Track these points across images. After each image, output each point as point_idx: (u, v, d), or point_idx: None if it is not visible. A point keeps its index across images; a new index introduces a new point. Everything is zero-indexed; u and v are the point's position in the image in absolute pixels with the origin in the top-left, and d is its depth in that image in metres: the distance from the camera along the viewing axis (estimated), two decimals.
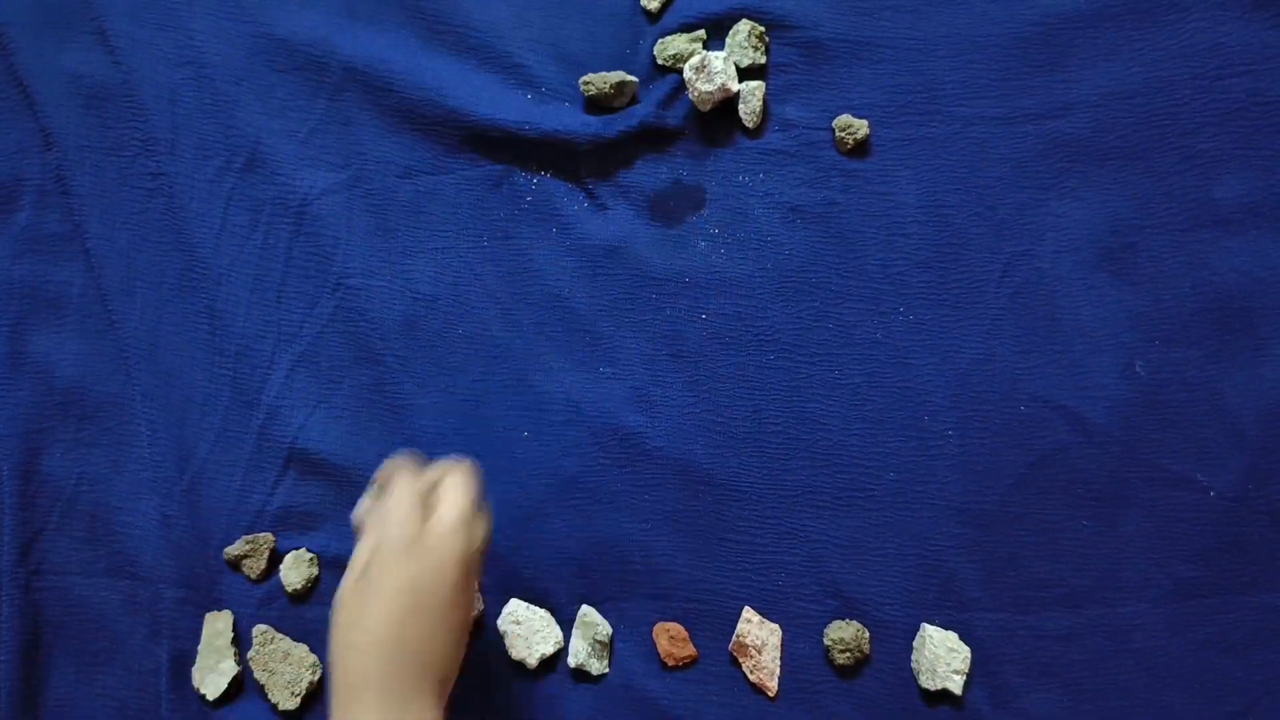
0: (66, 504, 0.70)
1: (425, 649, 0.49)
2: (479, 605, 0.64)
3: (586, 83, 0.69)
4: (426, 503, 0.54)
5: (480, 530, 0.54)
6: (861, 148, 0.69)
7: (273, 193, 0.72)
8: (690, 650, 0.65)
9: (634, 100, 0.69)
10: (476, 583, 0.53)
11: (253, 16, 0.73)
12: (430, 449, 0.68)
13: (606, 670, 0.66)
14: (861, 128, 0.69)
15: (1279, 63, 0.68)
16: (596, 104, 0.70)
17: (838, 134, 0.69)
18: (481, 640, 0.67)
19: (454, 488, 0.53)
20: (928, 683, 0.63)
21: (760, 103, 0.69)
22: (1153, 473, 0.65)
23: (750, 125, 0.69)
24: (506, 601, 0.67)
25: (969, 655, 0.64)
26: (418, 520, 0.52)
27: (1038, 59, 0.70)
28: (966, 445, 0.66)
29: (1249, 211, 0.67)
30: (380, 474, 0.59)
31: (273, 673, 0.65)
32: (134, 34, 0.73)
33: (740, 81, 0.70)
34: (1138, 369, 0.66)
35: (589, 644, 0.65)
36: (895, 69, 0.70)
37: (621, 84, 0.68)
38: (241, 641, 0.67)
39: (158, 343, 0.71)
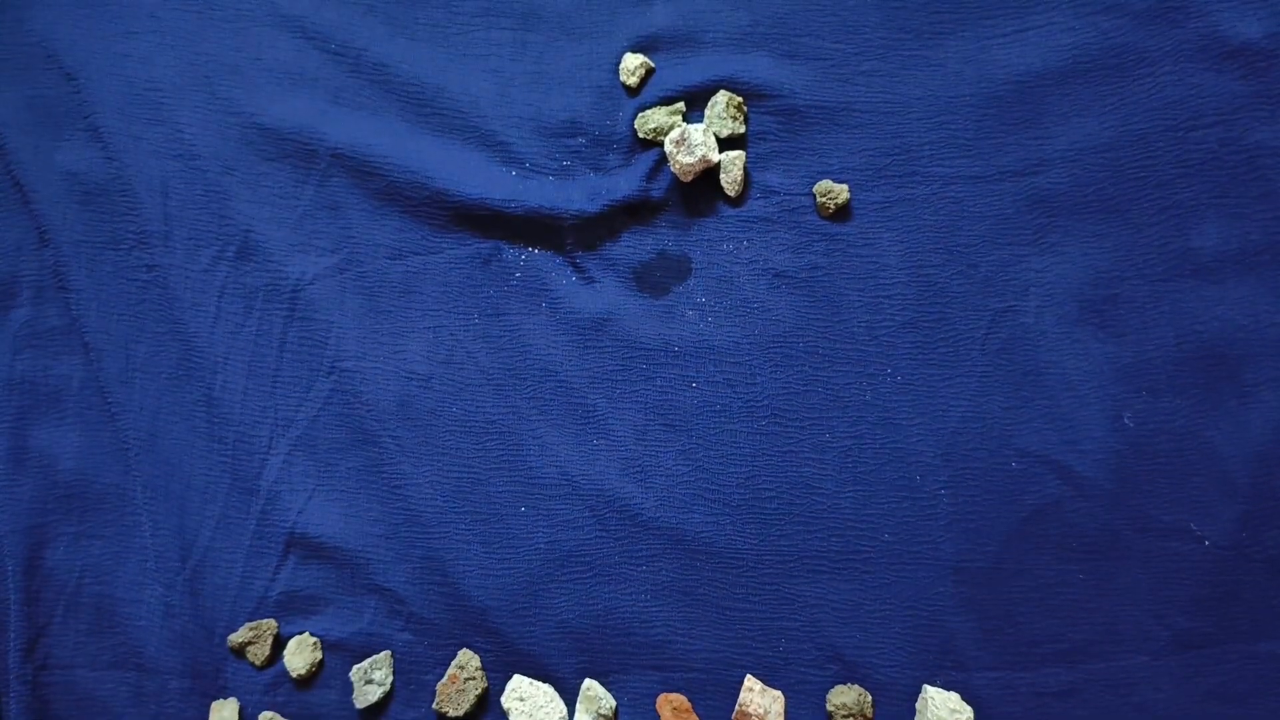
0: (71, 597, 0.73)
1: None
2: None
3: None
4: None
5: None
6: (843, 212, 0.73)
7: (265, 280, 0.75)
8: None
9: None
10: None
11: (240, 107, 0.77)
12: (428, 528, 0.71)
13: None
14: (842, 192, 0.72)
15: (1249, 112, 0.71)
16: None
17: (819, 199, 0.73)
18: (487, 717, 0.69)
19: None
20: None
21: (741, 171, 0.73)
22: (1146, 524, 0.68)
23: (732, 194, 0.73)
24: (510, 678, 0.69)
25: (972, 716, 0.66)
26: None
27: (1012, 117, 0.73)
28: (959, 503, 0.69)
29: (1227, 260, 0.70)
30: None
31: None
32: (125, 130, 0.77)
33: (721, 151, 0.73)
34: (1125, 420, 0.69)
35: (593, 718, 0.67)
36: (873, 133, 0.74)
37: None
38: None
39: (157, 432, 0.74)
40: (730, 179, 0.73)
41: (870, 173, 0.74)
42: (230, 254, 0.76)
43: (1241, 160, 0.71)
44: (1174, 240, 0.71)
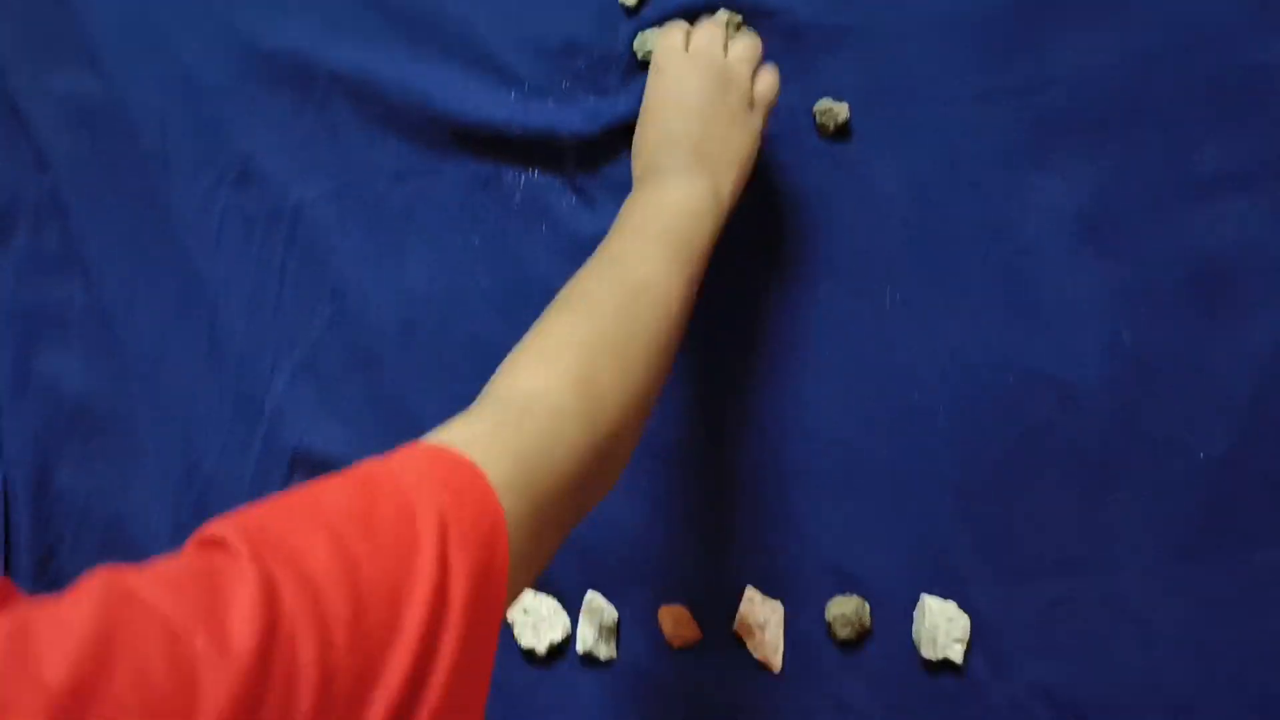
0: (80, 517, 0.75)
1: (701, 137, 0.60)
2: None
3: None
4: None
5: (767, 78, 0.66)
6: (842, 131, 0.73)
7: (266, 205, 0.76)
8: (695, 631, 0.70)
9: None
10: (761, 121, 0.64)
11: (238, 32, 0.78)
12: None
13: (614, 655, 0.70)
14: (842, 111, 0.73)
15: (1253, 31, 0.71)
16: None
17: (819, 118, 0.73)
18: None
19: (745, 38, 0.66)
20: (929, 653, 0.68)
21: None
22: (1143, 439, 0.69)
23: None
24: None
25: (968, 624, 0.68)
26: (718, 50, 0.64)
27: (1014, 36, 0.74)
28: (957, 421, 0.70)
29: (1227, 178, 0.71)
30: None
31: None
32: (122, 55, 0.77)
33: None
34: (1123, 338, 0.70)
35: (596, 629, 0.69)
36: (873, 52, 0.74)
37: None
38: None
39: (160, 358, 0.75)
40: None
41: (871, 92, 0.74)
42: (230, 179, 0.77)
43: (1243, 79, 0.71)
44: (1175, 159, 0.72)
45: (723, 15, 0.74)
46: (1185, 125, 0.72)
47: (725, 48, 0.64)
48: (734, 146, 0.61)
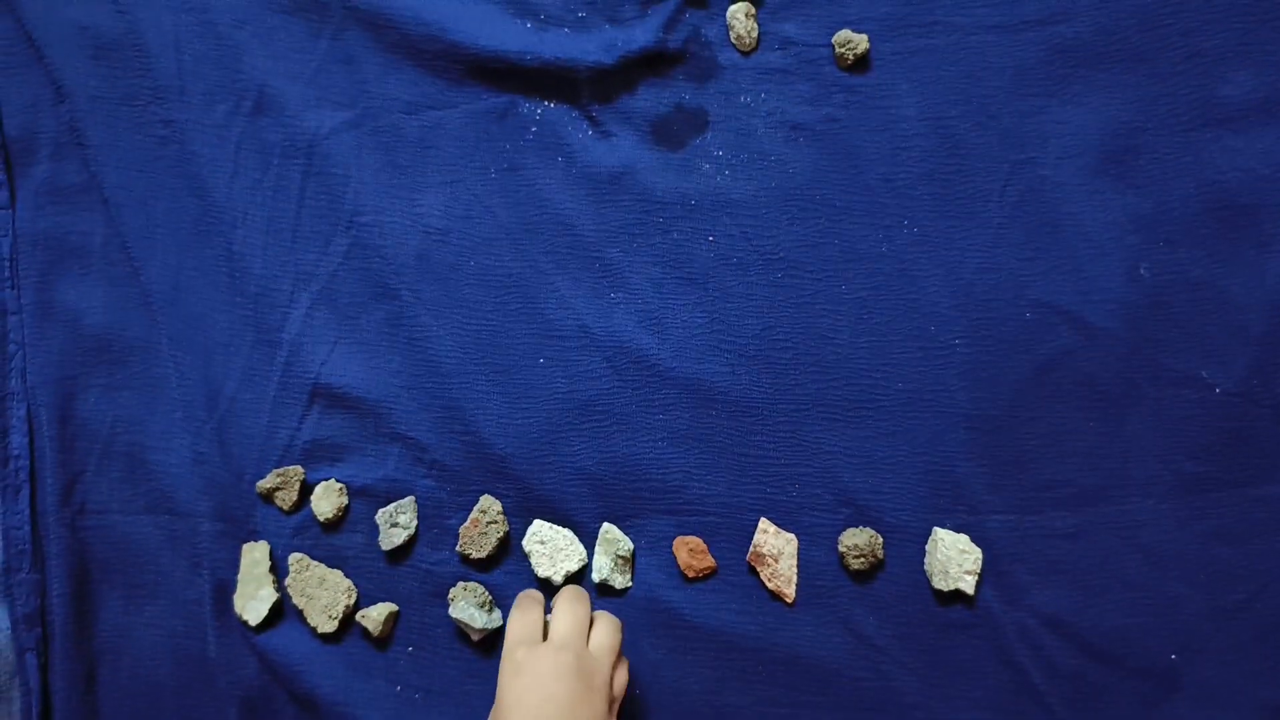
0: (104, 446, 0.76)
1: None
2: None
3: None
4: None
5: (623, 674, 0.63)
6: (862, 63, 0.73)
7: (282, 134, 0.77)
8: (709, 562, 0.71)
9: None
10: (604, 689, 0.60)
11: None
12: (448, 378, 0.74)
13: (630, 584, 0.72)
14: (861, 42, 0.73)
15: None
16: None
17: (838, 50, 0.73)
18: (509, 559, 0.73)
19: (562, 608, 0.63)
20: (940, 584, 0.69)
21: (750, 22, 0.73)
22: (1158, 372, 0.70)
23: (744, 49, 0.73)
24: (530, 523, 0.72)
25: (980, 556, 0.69)
26: (533, 641, 0.61)
27: None
28: (973, 353, 0.71)
29: (1253, 109, 0.71)
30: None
31: (310, 598, 0.72)
32: None
33: (735, 1, 0.74)
34: (1142, 271, 0.70)
35: (612, 560, 0.71)
36: None
37: None
38: (279, 569, 0.73)
39: (180, 287, 0.76)
40: (736, 34, 0.74)
41: (890, 23, 0.74)
42: (246, 109, 0.77)
43: (1272, 7, 0.71)
44: (1199, 90, 0.71)
45: None
46: (1209, 55, 0.72)
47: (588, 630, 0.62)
48: None
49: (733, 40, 0.74)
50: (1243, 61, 0.71)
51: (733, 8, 0.74)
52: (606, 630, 0.62)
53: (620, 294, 0.74)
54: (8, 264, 0.77)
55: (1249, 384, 0.69)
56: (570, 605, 0.62)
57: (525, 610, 0.62)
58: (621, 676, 0.62)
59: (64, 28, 0.78)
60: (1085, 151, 0.72)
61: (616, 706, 0.60)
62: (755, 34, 0.74)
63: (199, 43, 0.78)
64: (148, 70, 0.78)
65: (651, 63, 0.75)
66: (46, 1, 0.79)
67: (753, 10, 0.74)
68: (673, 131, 0.75)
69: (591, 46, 0.74)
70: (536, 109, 0.76)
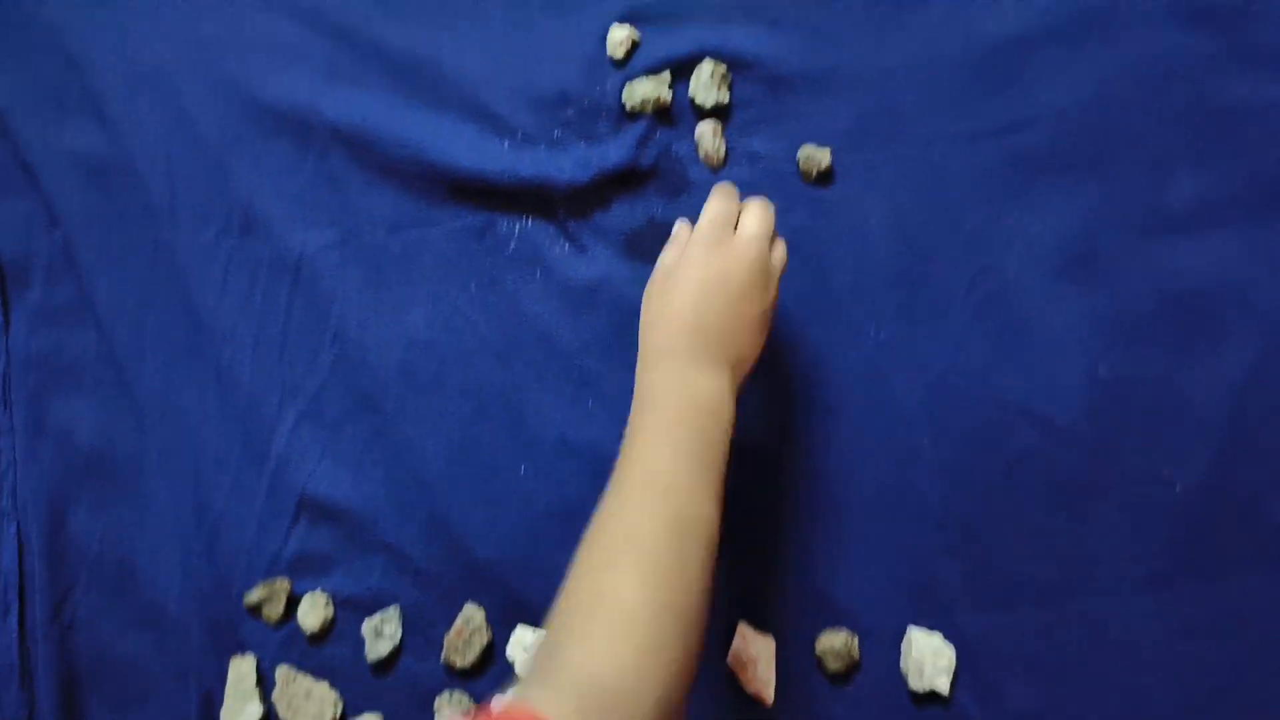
0: (93, 561, 0.78)
1: (724, 329, 0.60)
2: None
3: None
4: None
5: (780, 249, 0.65)
6: (826, 175, 0.77)
7: (269, 252, 0.80)
8: None
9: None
10: (774, 293, 0.63)
11: (241, 83, 0.81)
12: (432, 488, 0.76)
13: None
14: (825, 156, 0.76)
15: (1219, 69, 0.74)
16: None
17: (802, 164, 0.77)
18: (493, 667, 0.74)
19: (755, 209, 0.64)
20: (916, 684, 0.71)
21: (717, 139, 0.76)
22: (1123, 469, 0.72)
23: (713, 165, 0.77)
24: (514, 629, 0.74)
25: (954, 655, 0.71)
26: (727, 227, 0.63)
27: (992, 77, 0.77)
28: (941, 454, 0.73)
29: (1200, 213, 0.74)
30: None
31: (297, 711, 0.73)
32: (129, 108, 0.81)
33: (704, 118, 0.77)
34: (1101, 371, 0.73)
35: None
36: (855, 96, 0.78)
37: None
38: (266, 682, 0.75)
39: (170, 403, 0.79)
40: (704, 151, 0.77)
41: (853, 136, 0.78)
42: (234, 228, 0.81)
43: (1213, 116, 0.75)
44: (1149, 195, 0.75)
45: (707, 66, 0.77)
46: (1160, 161, 0.75)
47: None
48: (754, 339, 0.62)
49: (701, 157, 0.78)
50: (1189, 169, 0.75)
51: (700, 125, 0.78)
52: (764, 217, 0.65)
53: (598, 402, 0.77)
54: (1, 385, 0.79)
55: (1211, 479, 0.72)
56: (762, 207, 0.66)
57: (725, 197, 0.66)
58: (779, 252, 0.65)
59: (58, 153, 0.82)
60: (1046, 255, 0.75)
61: (778, 283, 0.64)
62: (723, 151, 0.78)
63: (189, 164, 0.82)
64: (139, 192, 0.82)
65: (625, 179, 0.78)
66: (41, 128, 0.82)
67: (719, 127, 0.78)
68: (646, 245, 0.78)
69: (567, 165, 0.78)
70: (515, 225, 0.79)
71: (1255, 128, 0.74)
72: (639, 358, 0.61)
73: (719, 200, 0.65)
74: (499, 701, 0.45)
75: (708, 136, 0.78)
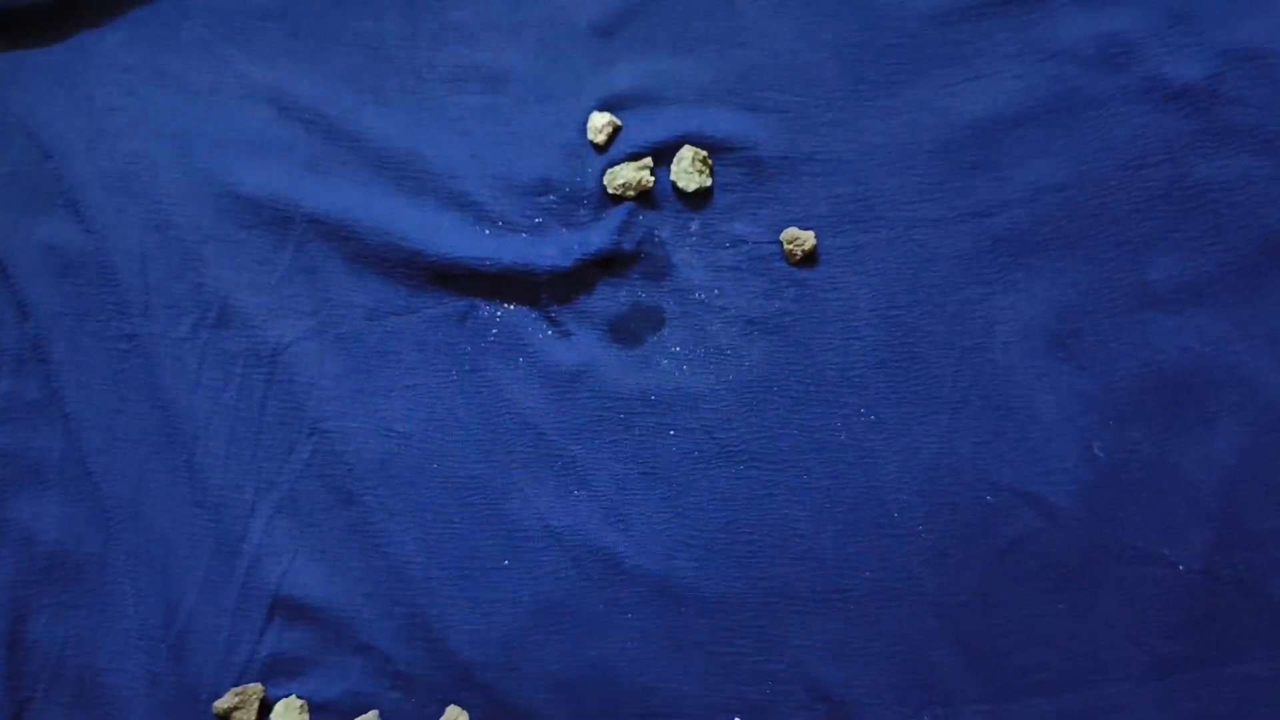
0: (53, 671, 0.75)
1: None
2: None
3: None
4: None
5: None
6: (810, 258, 0.77)
7: (245, 345, 0.78)
8: None
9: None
10: None
11: (217, 176, 0.81)
12: (412, 584, 0.73)
13: None
14: (808, 239, 0.76)
15: (1195, 149, 0.76)
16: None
17: (786, 246, 0.77)
18: None
19: None
20: None
21: (700, 167, 0.79)
22: (1121, 551, 0.71)
23: (688, 189, 0.79)
24: None
25: None
26: None
27: (970, 160, 0.78)
28: (937, 538, 0.72)
29: (1183, 291, 0.74)
30: None
31: None
32: (104, 203, 0.80)
33: (687, 202, 0.77)
34: (1095, 450, 0.72)
35: None
36: (836, 180, 0.78)
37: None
38: None
39: (139, 500, 0.76)
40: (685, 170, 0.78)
41: (835, 219, 0.78)
42: (209, 321, 0.79)
43: (1191, 195, 0.76)
44: (1131, 274, 0.75)
45: (688, 152, 0.78)
46: (1139, 240, 0.76)
47: None
48: None
49: (675, 179, 0.78)
50: (1168, 247, 0.75)
51: (682, 150, 0.78)
52: None
53: (583, 491, 0.75)
54: None
55: (1210, 560, 0.71)
56: None
57: None
58: None
59: (30, 247, 0.81)
60: (1031, 335, 0.75)
61: None
62: (702, 182, 0.78)
63: (164, 258, 0.81)
64: (113, 286, 0.80)
65: (608, 264, 0.78)
66: (14, 223, 0.81)
67: (703, 154, 0.78)
68: (630, 329, 0.77)
69: (549, 250, 0.78)
70: (496, 311, 0.78)
71: (1233, 204, 0.75)
72: None
73: None
74: None
75: (686, 160, 0.78)
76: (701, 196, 0.79)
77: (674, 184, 0.79)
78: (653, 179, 0.79)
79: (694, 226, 0.79)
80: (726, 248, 0.79)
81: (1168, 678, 0.70)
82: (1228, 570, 0.71)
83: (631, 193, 0.78)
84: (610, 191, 0.79)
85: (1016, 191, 0.78)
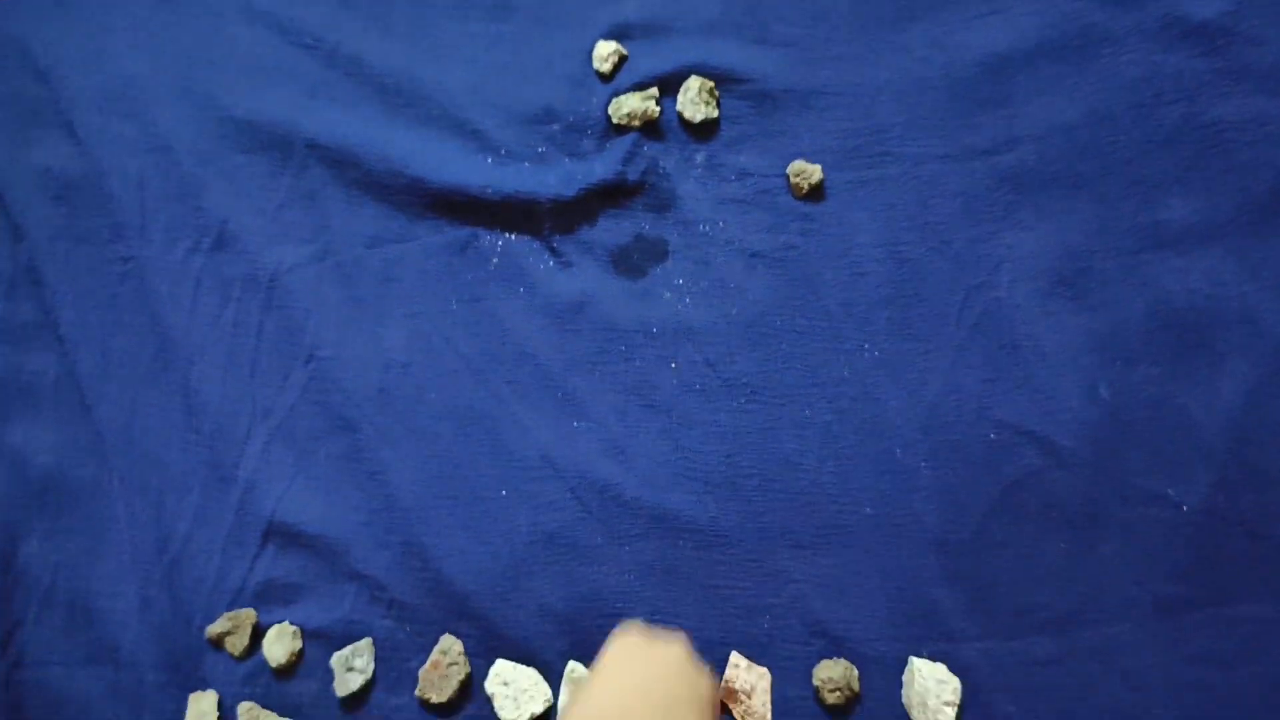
0: (45, 594, 0.74)
1: None
2: None
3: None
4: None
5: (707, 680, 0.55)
6: (816, 191, 0.76)
7: (242, 270, 0.77)
8: None
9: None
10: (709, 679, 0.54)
11: (216, 101, 0.80)
12: (408, 513, 0.73)
13: None
14: (815, 172, 0.75)
15: (1209, 88, 0.75)
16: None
17: (792, 179, 0.76)
18: (471, 703, 0.70)
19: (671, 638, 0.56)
20: (919, 716, 0.68)
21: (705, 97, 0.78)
22: (1124, 491, 0.71)
23: (693, 120, 0.78)
24: (493, 663, 0.70)
25: (958, 685, 0.68)
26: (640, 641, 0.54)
27: (980, 97, 0.77)
28: (939, 476, 0.71)
29: (1193, 231, 0.74)
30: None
31: None
32: (101, 125, 0.79)
33: (693, 134, 0.77)
34: (1101, 391, 0.72)
35: None
36: (844, 114, 0.77)
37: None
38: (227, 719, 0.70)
39: (134, 425, 0.76)
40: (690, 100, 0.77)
41: (842, 153, 0.77)
42: (207, 245, 0.78)
43: (1204, 134, 0.75)
44: (1142, 213, 0.74)
45: (695, 82, 0.77)
46: (1150, 180, 0.75)
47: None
48: None
49: (681, 110, 0.77)
50: (1180, 187, 0.75)
51: (689, 81, 0.77)
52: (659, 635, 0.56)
53: (583, 423, 0.74)
54: None
55: (1214, 501, 0.70)
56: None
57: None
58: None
59: (26, 169, 0.80)
60: (1038, 274, 0.74)
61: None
62: (708, 114, 0.77)
63: (162, 181, 0.80)
64: (109, 208, 0.79)
65: (611, 194, 0.77)
66: (9, 144, 0.80)
67: (710, 85, 0.77)
68: (633, 261, 0.77)
69: (551, 180, 0.77)
70: (498, 241, 0.78)
71: (1246, 144, 0.74)
72: None
73: (621, 634, 0.56)
74: None
75: (693, 90, 0.77)
76: (707, 128, 0.78)
77: (680, 114, 0.78)
78: (658, 109, 0.78)
79: (699, 158, 0.77)
80: (732, 180, 0.78)
81: (1168, 618, 0.69)
82: (1231, 511, 0.70)
83: (636, 123, 0.77)
84: (615, 121, 0.78)
85: (1027, 129, 0.77)
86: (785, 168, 0.77)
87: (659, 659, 0.53)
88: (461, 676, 0.71)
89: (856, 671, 0.70)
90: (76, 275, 0.79)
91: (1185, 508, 0.70)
